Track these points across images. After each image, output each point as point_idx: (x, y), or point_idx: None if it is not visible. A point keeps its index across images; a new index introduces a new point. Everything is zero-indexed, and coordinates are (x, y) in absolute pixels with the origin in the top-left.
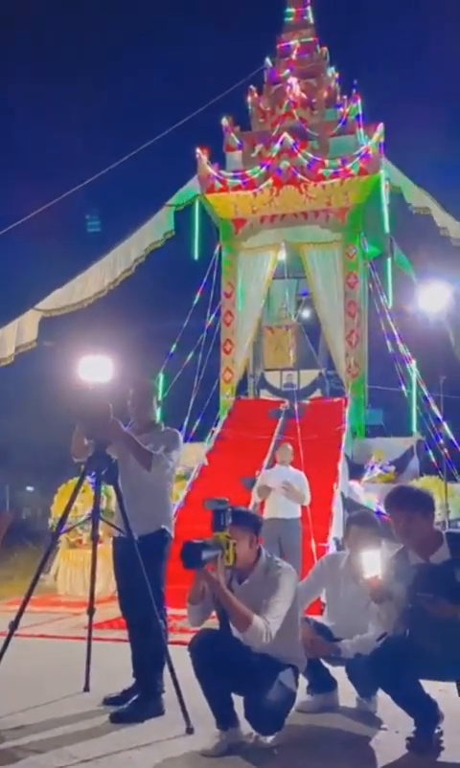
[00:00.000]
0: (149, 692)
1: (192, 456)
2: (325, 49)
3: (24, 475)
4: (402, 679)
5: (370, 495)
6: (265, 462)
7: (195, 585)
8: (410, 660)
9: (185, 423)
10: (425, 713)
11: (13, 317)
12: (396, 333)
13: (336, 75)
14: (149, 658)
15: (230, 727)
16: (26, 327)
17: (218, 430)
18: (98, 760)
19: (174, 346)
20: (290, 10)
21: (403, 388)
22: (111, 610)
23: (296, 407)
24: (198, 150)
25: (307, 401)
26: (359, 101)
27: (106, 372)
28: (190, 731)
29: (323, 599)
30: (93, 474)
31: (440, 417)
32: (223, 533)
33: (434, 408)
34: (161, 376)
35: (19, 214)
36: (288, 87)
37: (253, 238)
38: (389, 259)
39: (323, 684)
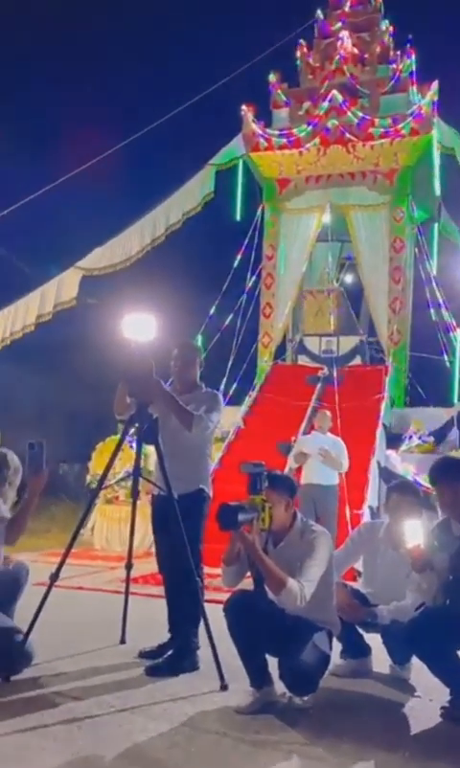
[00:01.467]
0: (184, 648)
1: (228, 419)
2: (379, 1)
3: (62, 430)
4: (441, 648)
5: (407, 465)
6: (302, 428)
7: (231, 547)
8: (449, 630)
9: (222, 386)
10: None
11: (55, 275)
12: (441, 301)
13: (391, 28)
14: (186, 614)
15: (264, 686)
16: (66, 285)
17: (255, 394)
18: (134, 710)
19: (214, 308)
20: None
21: (446, 357)
22: (147, 566)
23: (335, 374)
24: (244, 107)
25: (346, 368)
26: (414, 57)
27: (150, 330)
28: (224, 687)
29: (358, 567)
30: (133, 432)
31: None
32: (259, 496)
33: None
34: (200, 338)
35: (64, 169)
36: (340, 42)
37: (297, 199)
38: (436, 225)
39: (357, 649)
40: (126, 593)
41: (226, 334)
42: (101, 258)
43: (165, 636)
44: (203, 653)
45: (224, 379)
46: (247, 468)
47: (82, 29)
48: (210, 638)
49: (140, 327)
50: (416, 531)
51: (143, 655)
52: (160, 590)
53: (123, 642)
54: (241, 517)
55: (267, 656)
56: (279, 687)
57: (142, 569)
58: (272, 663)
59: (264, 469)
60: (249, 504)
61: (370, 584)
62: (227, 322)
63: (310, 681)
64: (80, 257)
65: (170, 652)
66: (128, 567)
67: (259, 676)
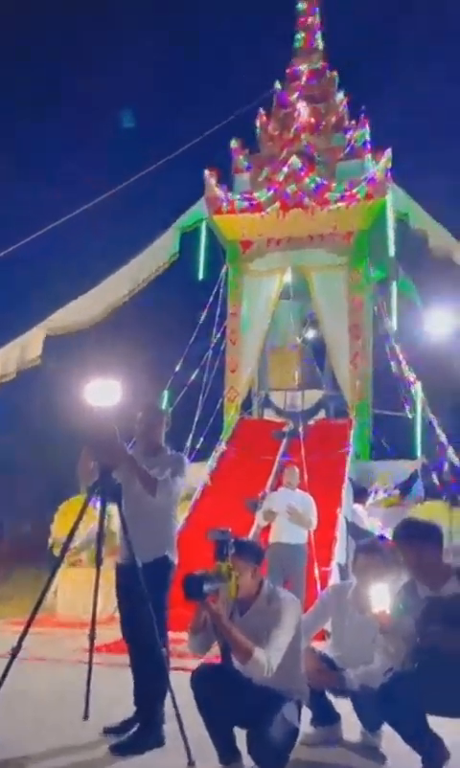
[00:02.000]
0: (149, 723)
1: (195, 475)
2: (334, 74)
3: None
4: (410, 715)
5: (374, 519)
6: (269, 483)
7: (197, 616)
8: (418, 695)
9: (188, 442)
10: (432, 751)
11: (18, 335)
12: (400, 356)
13: (345, 100)
14: (151, 688)
15: (232, 761)
16: (30, 345)
17: (221, 449)
18: None
19: (180, 364)
20: (300, 35)
21: (408, 411)
22: (112, 632)
23: (300, 428)
24: (207, 172)
25: (311, 422)
26: (367, 127)
27: (113, 395)
28: (191, 764)
29: (328, 628)
30: (98, 496)
31: (444, 440)
32: (226, 564)
33: (439, 432)
34: (166, 393)
35: (27, 232)
36: (297, 112)
37: (259, 261)
38: (394, 283)
39: (327, 716)
40: (89, 665)
41: (192, 390)
42: (65, 318)
43: (130, 708)
44: (171, 726)
45: (191, 434)
46: (213, 535)
47: (49, 85)
48: (176, 712)
49: (104, 392)
50: (382, 596)
51: (108, 731)
52: (125, 658)
53: (86, 717)
54: (206, 588)
55: (236, 729)
56: (248, 761)
57: (106, 636)
58: (241, 736)
59: (230, 536)
60: (215, 572)
61: (338, 647)
62: (193, 377)
63: (278, 756)
64: (45, 317)
65: (135, 728)
66: (92, 637)
67: (227, 751)
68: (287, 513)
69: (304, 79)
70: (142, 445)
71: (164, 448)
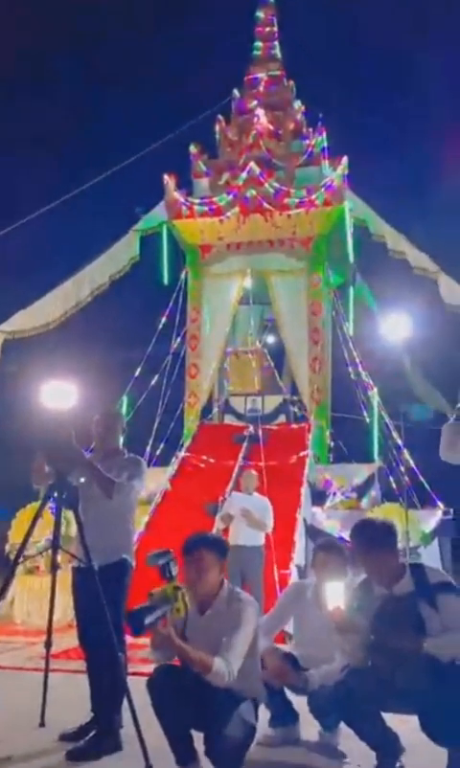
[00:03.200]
0: (106, 728)
1: (155, 480)
2: (291, 83)
3: None
4: (364, 712)
5: (332, 521)
6: (229, 487)
7: (155, 634)
8: (372, 692)
9: (148, 448)
10: (387, 747)
11: None
12: (357, 361)
13: (302, 108)
14: (108, 692)
15: (189, 763)
16: None
17: (181, 455)
18: None
19: (139, 369)
20: (259, 44)
21: (365, 414)
22: (69, 639)
23: (260, 432)
24: (166, 177)
25: (271, 427)
26: (324, 134)
27: (69, 398)
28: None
29: (288, 629)
30: (53, 500)
31: (400, 444)
32: (171, 585)
33: (395, 435)
34: (125, 399)
35: None
36: (256, 118)
37: (219, 265)
38: (352, 288)
39: (285, 716)
40: (46, 672)
41: (152, 395)
42: (23, 321)
43: (87, 714)
44: (128, 730)
45: (151, 440)
46: (152, 561)
47: (12, 90)
48: (133, 716)
49: (59, 394)
50: (337, 593)
51: (64, 738)
52: (82, 665)
53: (42, 724)
54: (148, 620)
55: (194, 731)
56: (205, 763)
57: (64, 643)
58: (199, 737)
59: (171, 557)
60: (160, 596)
61: (300, 646)
62: (153, 382)
63: (234, 756)
64: (2, 320)
65: (92, 733)
66: (48, 645)
67: (184, 754)
68: (242, 516)
69: (262, 86)
70: (100, 449)
71: (121, 451)
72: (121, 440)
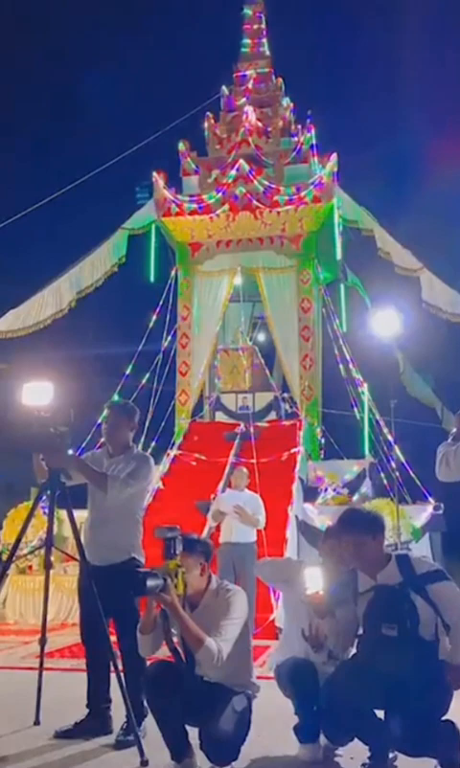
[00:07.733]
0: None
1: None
2: (280, 80)
3: None
4: (355, 707)
5: (324, 518)
6: (221, 485)
7: (147, 615)
8: (362, 688)
9: (140, 446)
10: (379, 739)
11: None
12: (348, 357)
13: (291, 105)
14: (132, 687)
15: (185, 758)
16: None
17: (173, 453)
18: None
19: (130, 368)
20: (247, 41)
21: (356, 411)
22: (63, 638)
23: (252, 430)
24: (155, 174)
25: (262, 424)
26: (313, 132)
27: (48, 396)
28: (144, 763)
29: (280, 625)
30: (46, 499)
31: (391, 440)
32: (174, 562)
33: (386, 431)
34: (116, 397)
35: None
36: (245, 115)
37: (209, 262)
38: (342, 285)
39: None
40: (40, 670)
41: (143, 393)
42: (14, 320)
43: (82, 712)
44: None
45: (142, 438)
46: (161, 533)
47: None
48: (128, 713)
49: (38, 393)
50: (316, 578)
51: (58, 735)
52: (76, 663)
53: (37, 723)
54: (150, 583)
55: (188, 726)
56: (201, 757)
57: (58, 642)
58: (194, 732)
59: (179, 533)
60: (162, 569)
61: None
62: (144, 381)
63: (229, 749)
64: None
65: (123, 725)
66: (42, 643)
67: (179, 748)
68: (234, 514)
69: (251, 83)
70: (110, 445)
71: (131, 447)
72: (131, 435)
